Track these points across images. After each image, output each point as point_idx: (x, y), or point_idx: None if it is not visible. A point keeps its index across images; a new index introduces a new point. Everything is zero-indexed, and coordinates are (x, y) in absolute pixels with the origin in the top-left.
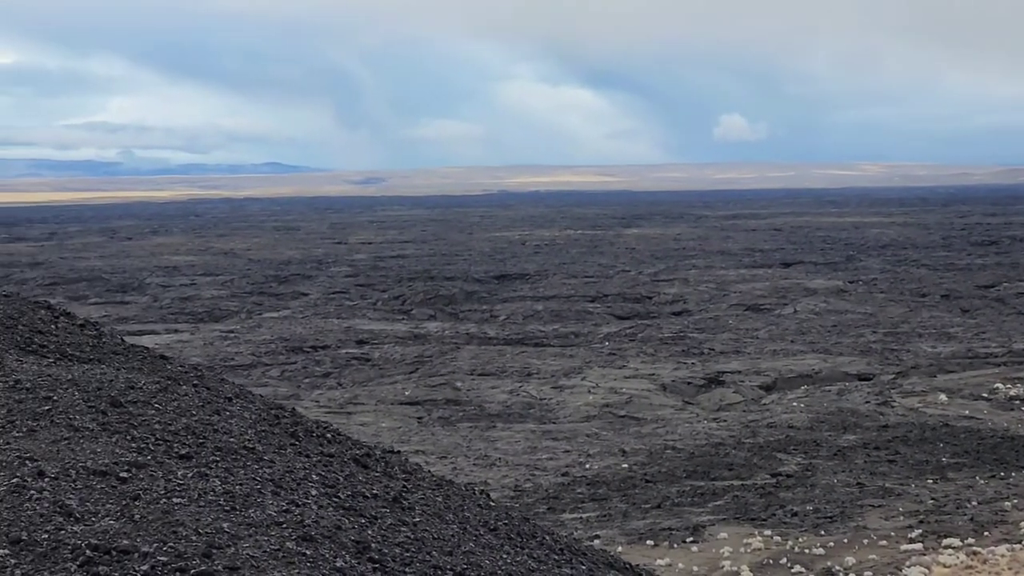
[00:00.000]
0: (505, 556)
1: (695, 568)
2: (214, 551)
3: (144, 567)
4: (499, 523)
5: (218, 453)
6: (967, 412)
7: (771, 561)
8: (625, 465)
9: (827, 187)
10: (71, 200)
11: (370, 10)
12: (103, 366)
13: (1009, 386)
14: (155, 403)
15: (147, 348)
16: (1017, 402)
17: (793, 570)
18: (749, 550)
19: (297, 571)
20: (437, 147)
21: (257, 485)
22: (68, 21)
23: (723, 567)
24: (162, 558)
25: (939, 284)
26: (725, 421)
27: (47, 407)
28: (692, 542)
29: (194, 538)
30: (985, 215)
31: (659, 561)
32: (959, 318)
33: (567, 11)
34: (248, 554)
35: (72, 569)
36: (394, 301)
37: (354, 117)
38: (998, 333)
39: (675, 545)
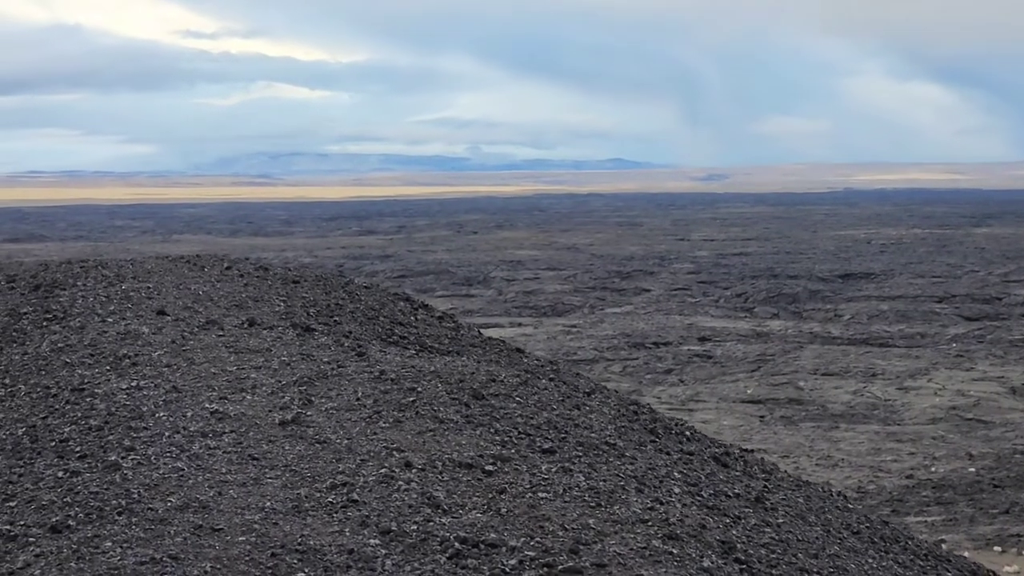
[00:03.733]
0: (871, 560)
1: None
2: (581, 547)
3: (512, 561)
4: (861, 526)
5: (580, 448)
6: None
7: None
8: (972, 469)
9: None
10: (420, 194)
11: (715, 6)
12: (463, 358)
13: None
14: (516, 396)
15: (503, 341)
16: None
17: None
18: None
19: (664, 570)
20: (780, 144)
21: (620, 482)
22: (418, 20)
23: None
24: (529, 553)
25: None
26: None
27: (412, 398)
28: None
29: (560, 533)
30: None
31: (1007, 568)
32: None
33: (916, 7)
34: (615, 551)
35: (441, 561)
36: (736, 299)
37: (697, 113)
38: None
39: None
